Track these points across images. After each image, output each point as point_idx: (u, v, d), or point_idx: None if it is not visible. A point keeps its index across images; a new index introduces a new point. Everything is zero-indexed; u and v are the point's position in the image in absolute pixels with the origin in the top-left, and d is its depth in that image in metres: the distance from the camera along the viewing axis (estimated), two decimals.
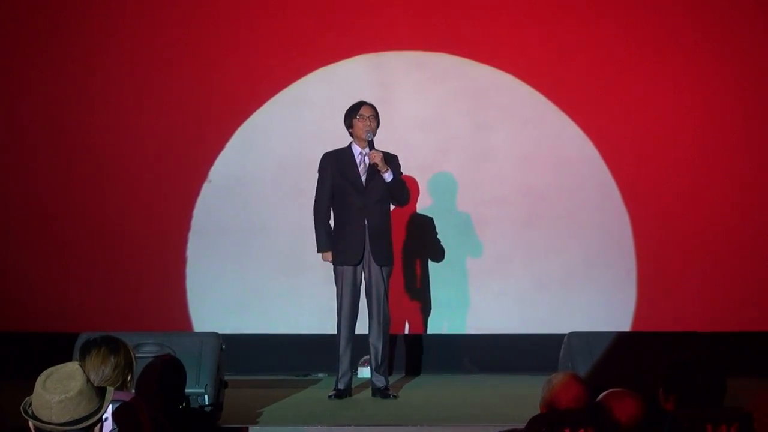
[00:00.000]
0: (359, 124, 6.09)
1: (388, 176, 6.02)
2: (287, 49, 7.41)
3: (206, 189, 7.40)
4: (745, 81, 7.42)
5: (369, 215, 6.05)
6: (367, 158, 6.08)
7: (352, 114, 6.13)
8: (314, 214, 6.14)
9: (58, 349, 5.03)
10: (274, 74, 7.41)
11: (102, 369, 3.40)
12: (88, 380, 2.76)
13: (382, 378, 6.07)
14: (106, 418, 3.03)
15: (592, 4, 7.48)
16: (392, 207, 6.26)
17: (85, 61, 7.38)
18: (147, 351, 5.17)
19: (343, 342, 6.05)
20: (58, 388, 2.69)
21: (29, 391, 2.75)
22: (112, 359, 3.43)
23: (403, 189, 6.19)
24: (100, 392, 2.79)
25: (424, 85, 7.49)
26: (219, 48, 7.40)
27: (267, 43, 7.42)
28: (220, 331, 5.61)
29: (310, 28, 7.41)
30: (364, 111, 6.11)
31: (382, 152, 6.04)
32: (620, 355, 5.43)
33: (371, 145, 6.03)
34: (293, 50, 7.40)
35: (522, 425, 3.33)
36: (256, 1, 7.49)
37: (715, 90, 7.42)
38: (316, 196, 6.15)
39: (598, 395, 3.27)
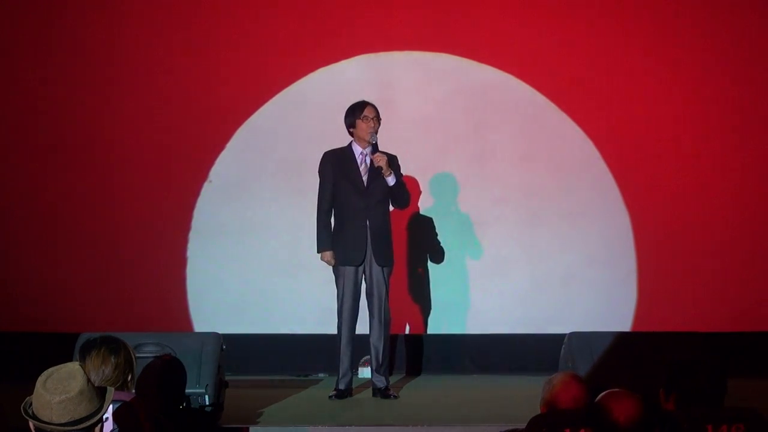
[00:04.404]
0: (363, 125, 6.05)
1: (391, 180, 6.00)
2: (287, 49, 7.40)
3: (206, 189, 7.40)
4: (745, 81, 7.42)
5: (370, 216, 6.03)
6: (368, 158, 6.06)
7: (354, 114, 6.08)
8: (317, 214, 6.12)
9: (58, 349, 5.03)
10: (274, 74, 7.41)
11: (102, 369, 3.40)
12: (89, 380, 2.75)
13: (383, 378, 6.07)
14: (107, 418, 3.03)
15: (592, 4, 7.48)
16: (391, 208, 6.25)
17: (85, 62, 7.37)
18: (147, 351, 5.17)
19: (343, 342, 6.04)
20: (58, 389, 2.69)
21: (30, 391, 2.75)
22: (113, 359, 3.42)
23: (405, 192, 6.17)
24: (101, 392, 2.79)
25: (424, 85, 7.49)
26: (219, 48, 7.40)
27: (267, 43, 7.42)
28: (220, 331, 5.60)
29: (310, 28, 7.41)
30: (368, 112, 6.06)
31: (384, 154, 6.04)
32: (620, 355, 5.43)
33: (375, 147, 6.01)
34: (293, 50, 7.40)
35: (522, 425, 3.34)
36: (256, 2, 7.49)
37: (715, 90, 7.43)
38: (318, 196, 6.12)
39: (599, 395, 3.27)
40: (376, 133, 6.05)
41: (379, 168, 5.95)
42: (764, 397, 5.33)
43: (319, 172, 6.15)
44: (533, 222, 7.41)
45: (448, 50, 7.44)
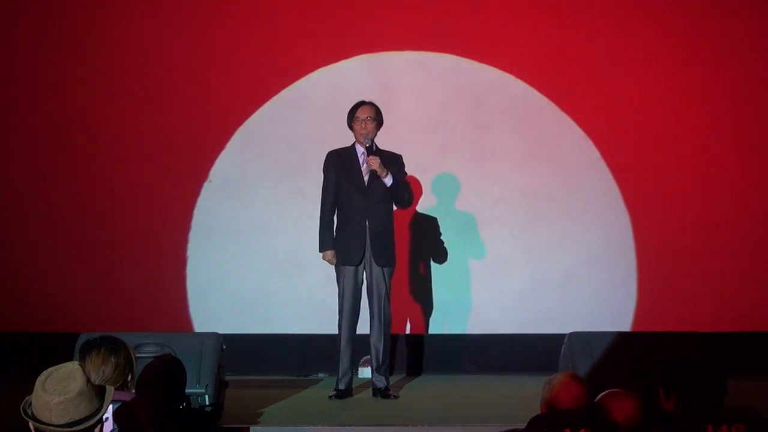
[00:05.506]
0: (356, 127, 6.08)
1: (388, 181, 6.01)
2: (287, 49, 7.40)
3: (206, 189, 7.40)
4: (745, 81, 7.42)
5: (370, 216, 6.04)
6: None
7: (350, 115, 6.11)
8: (320, 214, 6.13)
9: (58, 349, 5.02)
10: (274, 74, 7.41)
11: (102, 369, 3.39)
12: (88, 381, 2.74)
13: (383, 378, 6.07)
14: (107, 419, 3.02)
15: (592, 3, 7.48)
16: (394, 208, 6.25)
17: (85, 62, 7.38)
18: (147, 351, 5.17)
19: (343, 342, 6.05)
20: (57, 389, 2.67)
21: (29, 391, 2.74)
22: (113, 359, 3.42)
23: (405, 191, 6.16)
24: (101, 392, 2.78)
25: (424, 85, 7.49)
26: (219, 48, 7.40)
27: (267, 43, 7.42)
28: (220, 331, 5.61)
29: (310, 28, 7.41)
30: (361, 113, 6.08)
31: (385, 153, 6.03)
32: (620, 355, 5.43)
33: (369, 150, 6.02)
34: (293, 50, 7.40)
35: (522, 425, 3.33)
36: (256, 2, 7.49)
37: (715, 90, 7.42)
38: (322, 195, 6.15)
39: (599, 395, 3.27)
40: (373, 134, 6.05)
41: (375, 171, 5.96)
42: (764, 397, 5.33)
43: (323, 171, 6.17)
44: (533, 222, 7.41)
45: (448, 50, 7.44)
